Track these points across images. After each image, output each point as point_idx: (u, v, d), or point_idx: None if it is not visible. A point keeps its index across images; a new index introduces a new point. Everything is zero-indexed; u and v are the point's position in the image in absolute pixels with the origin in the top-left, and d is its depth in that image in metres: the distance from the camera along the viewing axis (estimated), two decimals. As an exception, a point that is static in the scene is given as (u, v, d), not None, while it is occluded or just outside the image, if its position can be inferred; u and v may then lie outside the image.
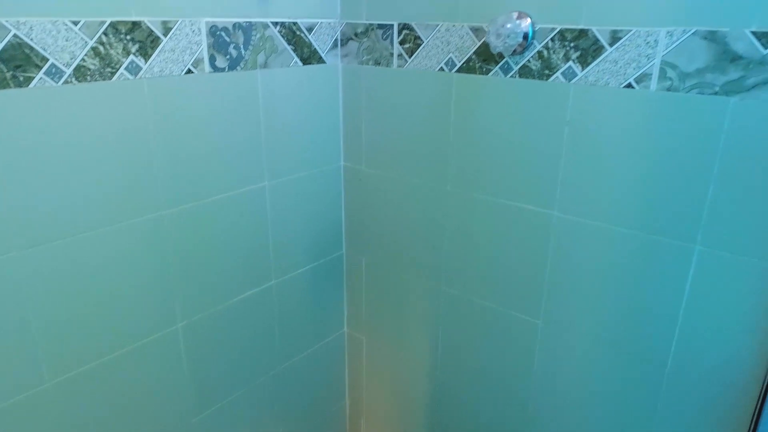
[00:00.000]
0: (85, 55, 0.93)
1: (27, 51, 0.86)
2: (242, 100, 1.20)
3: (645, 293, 1.06)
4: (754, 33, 0.84)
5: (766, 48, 0.84)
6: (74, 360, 1.05)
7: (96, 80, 0.95)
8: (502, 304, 1.28)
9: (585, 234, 1.10)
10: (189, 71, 1.08)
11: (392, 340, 1.58)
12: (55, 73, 0.90)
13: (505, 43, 1.05)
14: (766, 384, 0.93)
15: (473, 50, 1.15)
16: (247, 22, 1.16)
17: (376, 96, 1.36)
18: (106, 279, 1.06)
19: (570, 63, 1.03)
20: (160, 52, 1.02)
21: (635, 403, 1.13)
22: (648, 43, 0.94)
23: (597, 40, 0.99)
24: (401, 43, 1.27)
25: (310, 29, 1.30)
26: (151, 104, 1.04)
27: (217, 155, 1.18)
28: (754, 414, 0.96)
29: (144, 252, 1.10)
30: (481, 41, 1.13)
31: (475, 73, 1.17)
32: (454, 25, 1.17)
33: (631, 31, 0.95)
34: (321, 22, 1.32)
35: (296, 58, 1.29)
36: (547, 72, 1.07)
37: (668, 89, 0.94)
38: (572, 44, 1.02)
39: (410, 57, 1.26)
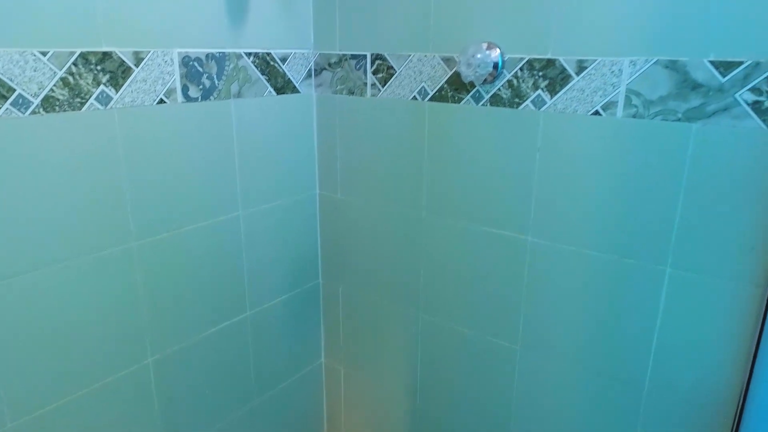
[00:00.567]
0: (54, 85, 0.91)
1: (-7, 82, 0.85)
2: (216, 129, 1.19)
3: (620, 315, 1.07)
4: (712, 62, 0.88)
5: (724, 76, 0.87)
6: (38, 399, 1.01)
7: (65, 110, 0.94)
8: (480, 330, 1.28)
9: (559, 258, 1.11)
10: (161, 101, 1.08)
11: (371, 370, 1.56)
12: (22, 103, 0.88)
13: (476, 72, 1.07)
14: (741, 402, 0.94)
15: (445, 79, 1.18)
16: (220, 52, 1.16)
17: (351, 125, 1.37)
18: (72, 314, 1.02)
19: (539, 91, 1.06)
20: (131, 82, 1.02)
21: (615, 424, 1.13)
22: (613, 72, 0.97)
23: (564, 70, 1.02)
24: (374, 72, 1.28)
25: (283, 59, 1.31)
26: (122, 135, 1.02)
27: (189, 185, 1.17)
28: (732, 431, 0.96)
29: (112, 285, 1.07)
30: (453, 71, 1.16)
31: (447, 101, 1.19)
32: (425, 55, 1.19)
33: (596, 60, 0.98)
34: (294, 53, 1.33)
35: (270, 88, 1.29)
36: (517, 100, 1.09)
37: (634, 116, 0.97)
38: (541, 73, 1.05)
39: (383, 86, 1.28)
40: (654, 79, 0.93)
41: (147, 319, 1.15)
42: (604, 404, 1.13)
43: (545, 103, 1.06)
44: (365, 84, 1.31)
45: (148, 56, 1.03)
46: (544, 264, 1.14)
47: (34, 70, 0.89)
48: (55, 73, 0.91)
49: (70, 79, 0.93)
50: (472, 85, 1.14)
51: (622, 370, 1.09)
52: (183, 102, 1.11)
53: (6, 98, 0.87)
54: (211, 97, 1.16)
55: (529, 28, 1.04)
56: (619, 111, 0.98)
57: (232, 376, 1.38)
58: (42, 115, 0.91)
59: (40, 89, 0.90)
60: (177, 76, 1.09)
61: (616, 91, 0.97)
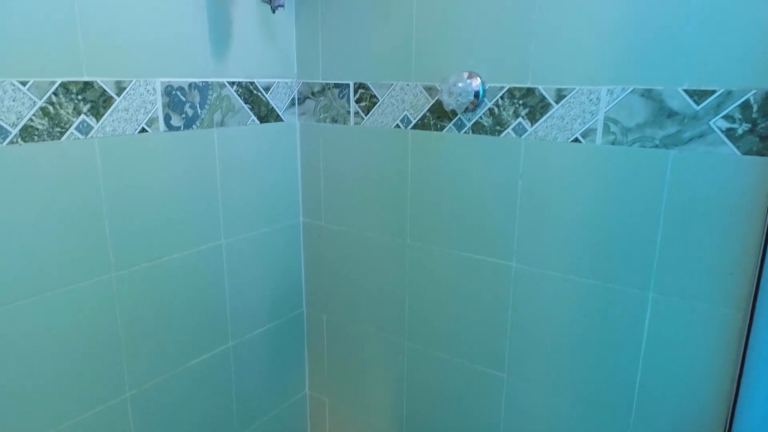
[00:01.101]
0: (33, 115, 0.90)
1: (-30, 111, 0.84)
2: (198, 158, 1.19)
3: (605, 341, 1.07)
4: (686, 91, 0.90)
5: (698, 104, 0.89)
6: (9, 439, 0.97)
7: (44, 140, 0.93)
8: (466, 359, 1.27)
9: (544, 284, 1.12)
10: (143, 130, 1.07)
11: (356, 400, 1.53)
12: (-1, 133, 0.87)
13: (458, 101, 1.08)
14: (728, 426, 0.94)
15: (427, 108, 1.19)
16: (203, 81, 1.16)
17: (334, 153, 1.37)
18: (47, 348, 0.99)
19: (520, 119, 1.07)
20: (113, 111, 1.01)
21: (603, 455, 1.11)
22: (591, 100, 0.99)
23: (544, 98, 1.04)
24: (357, 101, 1.30)
25: (267, 88, 1.31)
26: (102, 164, 1.01)
27: (171, 214, 1.15)
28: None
29: (89, 318, 1.05)
30: (435, 99, 1.17)
31: (430, 129, 1.20)
32: (408, 84, 1.21)
33: (574, 89, 1.00)
34: (278, 82, 1.34)
35: (253, 117, 1.29)
36: (498, 128, 1.10)
37: (613, 143, 0.98)
38: (521, 102, 1.06)
39: (366, 114, 1.29)
40: (631, 107, 0.95)
41: (125, 353, 1.12)
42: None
43: (526, 130, 1.07)
44: (348, 112, 1.32)
45: (130, 86, 1.03)
46: (529, 290, 1.14)
47: (13, 100, 0.88)
48: (34, 102, 0.90)
49: (50, 108, 0.92)
50: (454, 113, 1.15)
51: (609, 396, 1.08)
52: (165, 131, 1.11)
53: (-17, 128, 0.85)
54: (194, 126, 1.16)
55: (509, 58, 1.06)
56: (599, 138, 1.00)
57: (214, 409, 1.35)
58: (20, 144, 0.90)
59: (18, 119, 0.89)
60: (159, 105, 1.09)
61: (595, 118, 0.99)
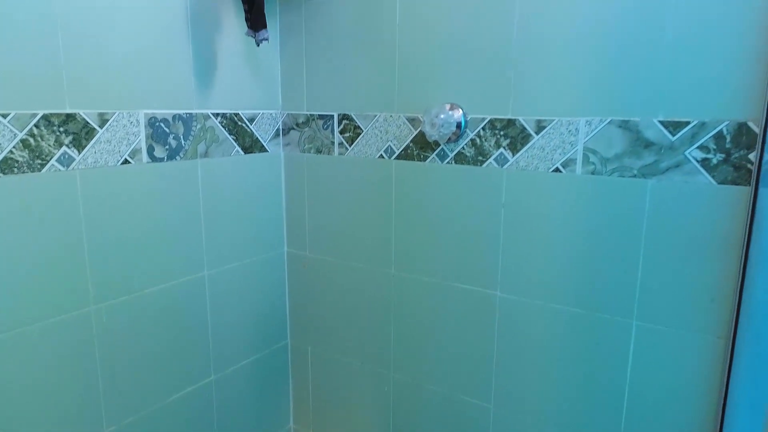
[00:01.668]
0: (14, 147, 0.90)
1: (-52, 144, 0.83)
2: (181, 189, 1.18)
3: (590, 370, 1.06)
4: (661, 122, 0.92)
5: (673, 135, 0.92)
6: (-22, 482, 0.93)
7: (24, 172, 0.92)
8: (452, 389, 1.25)
9: (528, 313, 1.12)
10: (126, 161, 1.07)
11: (341, 434, 1.50)
12: (-22, 166, 0.86)
13: (440, 132, 1.10)
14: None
15: (411, 138, 1.20)
16: (187, 113, 1.17)
17: (319, 183, 1.38)
18: (23, 382, 0.96)
19: (501, 150, 1.09)
20: (95, 143, 1.01)
21: (592, 487, 1.10)
22: (570, 131, 1.01)
23: (524, 129, 1.06)
24: (341, 132, 1.31)
25: (251, 120, 1.32)
26: (83, 196, 1.00)
27: (152, 246, 1.14)
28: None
29: (67, 351, 1.02)
30: (418, 130, 1.19)
31: (413, 159, 1.21)
32: (391, 116, 1.22)
33: (554, 120, 1.02)
34: (263, 113, 1.35)
35: (238, 148, 1.30)
36: (480, 158, 1.12)
37: (592, 173, 1.00)
38: (502, 132, 1.08)
39: (351, 145, 1.30)
40: (609, 138, 0.97)
41: (103, 388, 1.09)
42: (580, 463, 1.10)
43: (508, 160, 1.09)
44: (333, 143, 1.33)
45: (113, 117, 1.03)
46: (514, 319, 1.14)
47: (-7, 132, 0.87)
48: (15, 135, 0.90)
49: (31, 140, 0.92)
50: (436, 143, 1.17)
51: (597, 424, 1.07)
52: (148, 162, 1.11)
53: (-39, 160, 0.84)
54: (177, 157, 1.16)
55: (490, 90, 1.08)
56: (578, 168, 1.01)
57: (195, 446, 1.31)
58: (-1, 177, 0.89)
59: (-2, 151, 0.88)
60: (143, 137, 1.09)
61: (575, 149, 1.01)
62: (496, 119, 1.09)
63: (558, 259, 1.06)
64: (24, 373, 0.96)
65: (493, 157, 1.10)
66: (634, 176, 0.96)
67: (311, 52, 1.32)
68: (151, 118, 1.10)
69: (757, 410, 0.88)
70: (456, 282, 1.20)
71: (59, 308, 1.00)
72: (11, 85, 0.89)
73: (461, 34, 1.09)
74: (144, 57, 1.07)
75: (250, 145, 1.33)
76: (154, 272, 1.15)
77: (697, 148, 0.90)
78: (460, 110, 1.11)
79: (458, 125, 1.11)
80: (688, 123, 0.90)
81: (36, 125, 0.92)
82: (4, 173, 0.89)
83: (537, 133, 1.04)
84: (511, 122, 1.07)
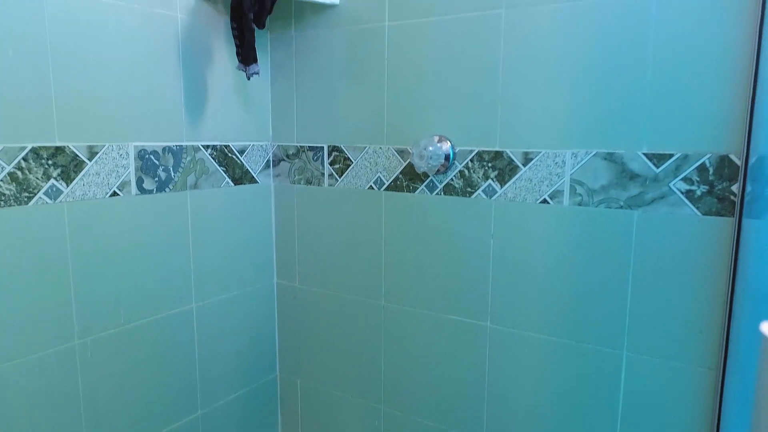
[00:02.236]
0: (0, 180, 0.89)
1: (-66, 178, 0.82)
2: (170, 221, 1.18)
3: (583, 401, 1.05)
4: (645, 154, 0.94)
5: (657, 167, 0.93)
6: None
7: (10, 205, 0.91)
8: (444, 422, 1.23)
9: (519, 344, 1.11)
10: (114, 194, 1.06)
11: (331, 471, 1.46)
12: (-36, 199, 0.86)
13: (429, 164, 1.11)
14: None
15: (400, 170, 1.21)
16: (177, 145, 1.17)
17: (309, 214, 1.38)
18: (2, 420, 0.94)
19: (490, 181, 1.10)
20: (83, 175, 1.01)
21: None
22: (557, 163, 1.02)
23: (512, 161, 1.07)
24: (331, 163, 1.32)
25: (242, 151, 1.33)
26: (70, 228, 1.00)
27: (139, 279, 1.13)
28: None
29: (49, 387, 1.00)
30: (407, 162, 1.20)
31: (403, 191, 1.22)
32: (380, 147, 1.23)
33: (540, 152, 1.04)
34: (253, 145, 1.36)
35: (228, 179, 1.30)
36: (469, 189, 1.13)
37: (579, 204, 1.01)
38: (490, 164, 1.10)
39: (340, 176, 1.30)
40: (595, 170, 0.99)
41: (86, 426, 1.06)
42: (574, 499, 1.08)
43: (496, 192, 1.10)
44: (323, 174, 1.34)
45: (102, 150, 1.03)
46: (505, 350, 1.13)
47: (-19, 166, 0.87)
48: (2, 168, 0.90)
49: (19, 174, 0.92)
50: (425, 175, 1.18)
51: (590, 460, 1.06)
52: (137, 194, 1.10)
53: (-53, 194, 0.84)
54: (167, 189, 1.16)
55: (477, 123, 1.10)
56: (566, 199, 1.02)
57: (180, 485, 1.27)
58: (-15, 210, 0.88)
59: (-15, 184, 0.88)
60: (132, 169, 1.09)
61: (561, 180, 1.02)
62: (483, 151, 1.10)
63: (547, 290, 1.06)
64: (2, 413, 0.94)
65: (482, 188, 1.11)
66: (621, 207, 0.97)
67: (301, 84, 1.34)
68: (140, 151, 1.10)
69: (749, 443, 0.87)
70: (446, 313, 1.19)
71: (41, 344, 0.98)
72: (1, 118, 0.89)
73: (449, 68, 1.12)
74: (135, 90, 1.08)
75: (240, 177, 1.33)
76: (140, 305, 1.14)
77: (681, 179, 0.91)
78: (449, 142, 1.13)
79: (447, 157, 1.12)
80: (671, 155, 0.92)
81: (24, 158, 0.92)
82: (-10, 206, 0.89)
83: (524, 164, 1.06)
84: (498, 154, 1.08)
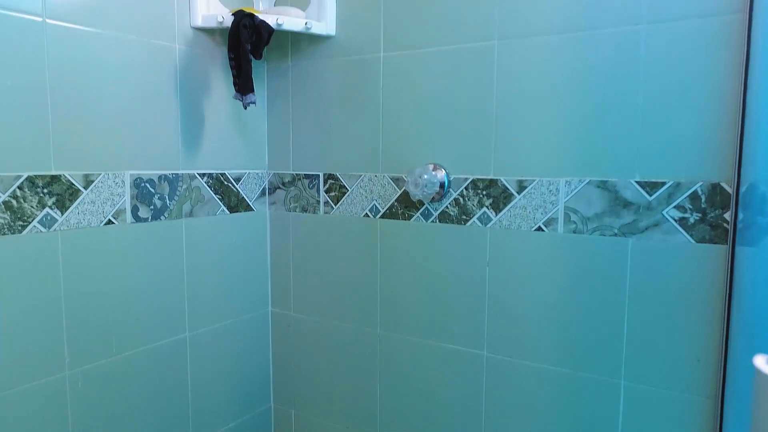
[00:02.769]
0: (-5, 209, 0.89)
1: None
2: (164, 249, 1.17)
3: (581, 430, 1.04)
4: (638, 182, 0.95)
5: (650, 195, 0.94)
6: None
7: (4, 234, 0.91)
8: (440, 454, 1.21)
9: (516, 373, 1.10)
10: (109, 222, 1.06)
11: (326, 505, 1.42)
12: (-43, 228, 0.85)
13: (424, 191, 1.12)
14: None
15: (395, 198, 1.22)
16: (173, 173, 1.17)
17: (304, 242, 1.38)
18: (-12, 457, 0.92)
19: (484, 209, 1.11)
20: (79, 204, 1.01)
21: None
22: (551, 191, 1.03)
23: (506, 189, 1.08)
24: (327, 191, 1.32)
25: (237, 179, 1.33)
26: (64, 257, 0.99)
27: (132, 307, 1.12)
28: None
29: (37, 420, 0.98)
30: (402, 190, 1.21)
31: (398, 218, 1.22)
32: (375, 176, 1.24)
33: (534, 180, 1.04)
34: (249, 173, 1.37)
35: (223, 207, 1.30)
36: (464, 217, 1.13)
37: (574, 231, 1.01)
38: (485, 192, 1.10)
39: (336, 204, 1.31)
40: (588, 198, 0.99)
41: (74, 459, 1.04)
42: None
43: (491, 219, 1.10)
44: (318, 202, 1.34)
45: (98, 179, 1.03)
46: (502, 380, 1.12)
47: (-25, 195, 0.87)
48: (-3, 196, 0.89)
49: (14, 202, 0.91)
50: (420, 203, 1.18)
51: (589, 493, 1.04)
52: (132, 222, 1.10)
53: (-59, 223, 0.83)
54: (162, 217, 1.16)
55: (472, 151, 1.11)
56: (560, 227, 1.03)
57: None
58: (-22, 239, 0.88)
59: (-21, 213, 0.88)
60: (127, 197, 1.09)
61: (556, 208, 1.03)
62: (478, 179, 1.11)
63: (543, 318, 1.06)
64: (-10, 445, 0.92)
65: (477, 216, 1.12)
66: (615, 235, 0.98)
67: (297, 113, 1.35)
68: (136, 179, 1.10)
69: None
70: (442, 342, 1.18)
71: (31, 375, 0.96)
72: (-3, 147, 0.89)
73: (443, 97, 1.13)
74: (132, 118, 1.08)
75: (236, 204, 1.34)
76: (133, 335, 1.12)
77: (674, 207, 0.92)
78: (443, 170, 1.14)
79: (441, 185, 1.13)
80: (663, 183, 0.93)
81: (20, 187, 0.92)
82: (-17, 235, 0.88)
83: (519, 192, 1.06)
84: (493, 182, 1.09)
